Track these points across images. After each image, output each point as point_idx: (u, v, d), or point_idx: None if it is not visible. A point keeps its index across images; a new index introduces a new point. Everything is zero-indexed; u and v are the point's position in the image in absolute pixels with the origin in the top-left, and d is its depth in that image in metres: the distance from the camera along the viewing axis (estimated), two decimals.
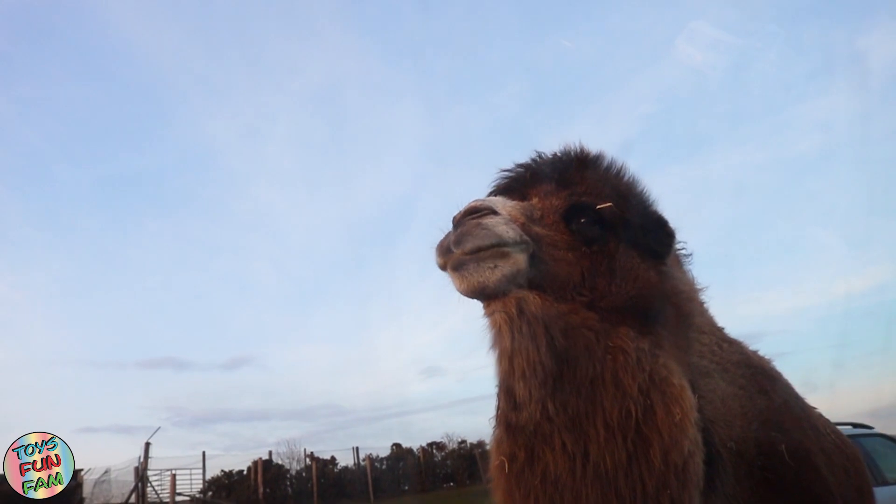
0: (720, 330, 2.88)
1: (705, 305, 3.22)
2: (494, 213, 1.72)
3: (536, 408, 1.70)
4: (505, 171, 2.11)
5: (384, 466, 28.11)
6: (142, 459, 22.18)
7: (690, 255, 3.22)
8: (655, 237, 1.93)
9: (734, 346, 2.75)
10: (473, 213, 1.71)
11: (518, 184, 2.03)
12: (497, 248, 1.65)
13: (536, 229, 1.77)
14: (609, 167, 2.05)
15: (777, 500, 2.10)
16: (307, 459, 27.01)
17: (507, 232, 1.66)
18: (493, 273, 1.65)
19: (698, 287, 2.97)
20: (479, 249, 1.65)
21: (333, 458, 27.83)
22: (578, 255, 1.79)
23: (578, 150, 2.05)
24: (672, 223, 2.06)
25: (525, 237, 1.70)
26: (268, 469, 25.68)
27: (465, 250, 1.65)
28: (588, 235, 1.82)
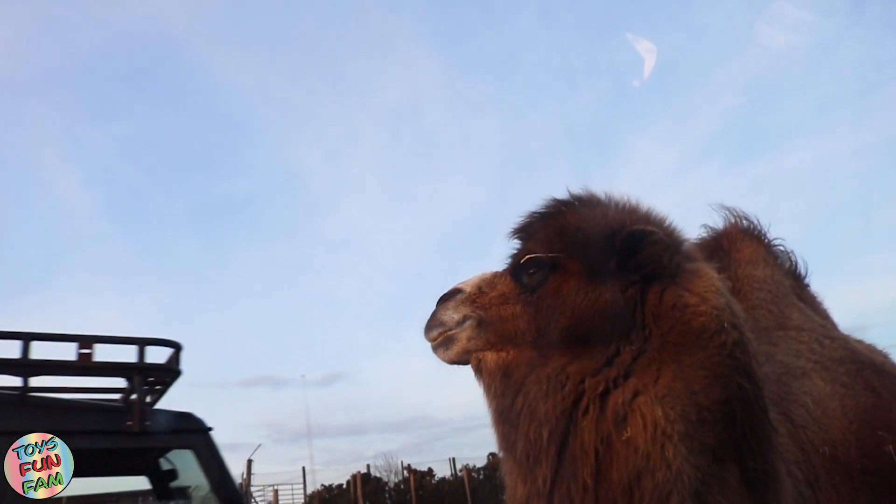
0: (824, 326, 2.81)
1: (816, 300, 3.15)
2: (457, 293, 2.20)
3: (496, 441, 2.06)
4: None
5: (481, 476, 28.21)
6: (245, 476, 23.33)
7: (787, 251, 3.18)
8: (619, 257, 1.97)
9: (837, 341, 2.67)
10: (442, 299, 2.23)
11: (515, 244, 2.32)
12: (444, 334, 2.17)
13: (490, 295, 2.16)
14: (567, 210, 2.17)
15: None
16: (405, 472, 27.56)
17: (452, 317, 2.16)
18: (447, 353, 2.18)
19: (790, 284, 2.92)
20: (433, 339, 2.20)
21: (430, 470, 28.24)
22: (524, 305, 2.08)
23: (542, 204, 2.24)
24: (657, 234, 2.00)
25: (469, 313, 2.14)
26: (367, 482, 26.41)
27: (428, 338, 2.22)
28: (531, 284, 2.10)
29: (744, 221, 3.10)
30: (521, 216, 2.29)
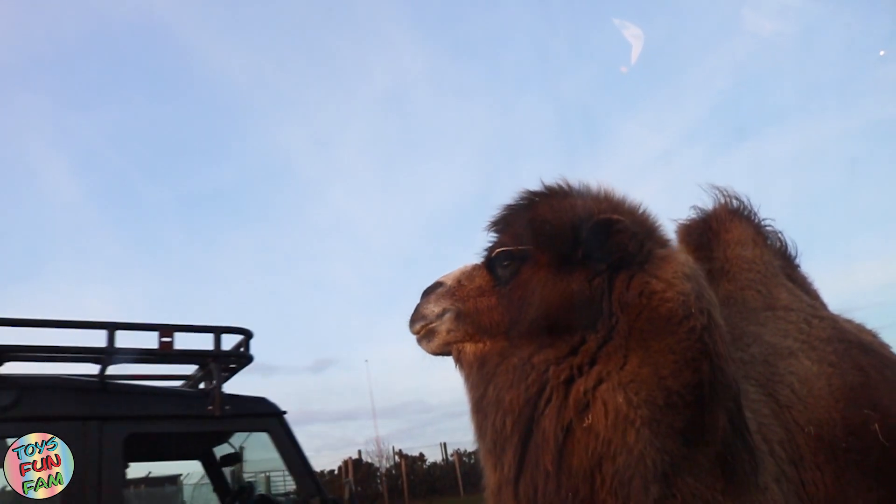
0: (813, 306, 2.82)
1: (807, 280, 3.17)
2: (438, 287, 2.27)
3: (473, 430, 2.14)
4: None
5: (472, 461, 28.45)
6: (238, 463, 23.40)
7: (777, 231, 3.19)
8: (586, 247, 2.00)
9: (826, 321, 2.67)
10: (425, 293, 2.31)
11: (492, 237, 2.36)
12: (425, 327, 2.24)
13: (468, 287, 2.22)
14: (538, 202, 2.20)
15: (868, 484, 2.07)
16: (396, 457, 27.77)
17: (433, 310, 2.23)
18: (430, 345, 2.25)
19: (779, 264, 2.94)
20: (417, 332, 2.28)
21: (422, 455, 28.49)
22: (499, 296, 2.13)
23: (516, 196, 2.27)
24: (623, 222, 2.01)
25: (448, 307, 2.21)
26: (358, 468, 26.58)
27: (412, 331, 2.30)
28: (504, 276, 2.15)
29: (734, 202, 3.10)
30: (497, 208, 2.32)
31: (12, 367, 3.23)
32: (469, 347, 2.17)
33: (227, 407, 3.54)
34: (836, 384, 2.27)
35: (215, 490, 5.18)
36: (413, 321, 2.30)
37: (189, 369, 4.19)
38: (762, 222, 3.15)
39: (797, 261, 3.28)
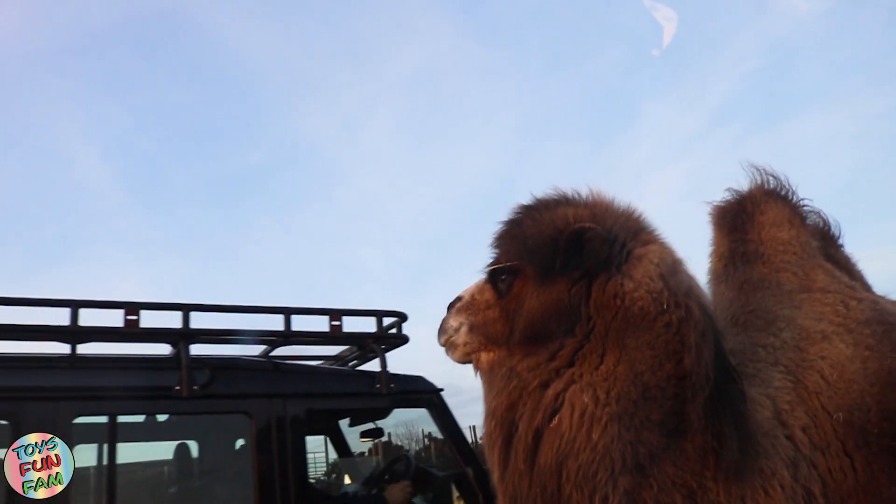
0: (852, 287, 2.75)
1: (850, 261, 3.12)
2: (458, 301, 2.46)
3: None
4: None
5: None
6: None
7: (817, 211, 3.12)
8: (563, 258, 2.13)
9: (865, 303, 2.61)
10: (449, 307, 2.50)
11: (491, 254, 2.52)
12: (448, 339, 2.44)
13: (479, 301, 2.40)
14: (526, 216, 2.35)
15: None
16: (425, 440, 28.05)
17: (452, 324, 2.43)
18: (453, 355, 2.45)
19: (817, 245, 2.90)
20: (442, 344, 2.48)
21: None
22: (500, 309, 2.30)
23: (508, 214, 2.41)
24: (594, 230, 2.11)
25: (463, 320, 2.40)
26: (388, 450, 26.95)
27: (439, 343, 2.50)
28: (503, 290, 2.31)
29: (770, 181, 3.05)
30: (496, 224, 2.47)
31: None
32: (483, 356, 2.36)
33: (391, 385, 3.85)
34: (873, 368, 2.23)
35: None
36: (439, 334, 2.50)
37: (333, 350, 4.51)
38: (800, 201, 3.08)
39: (840, 241, 3.22)
